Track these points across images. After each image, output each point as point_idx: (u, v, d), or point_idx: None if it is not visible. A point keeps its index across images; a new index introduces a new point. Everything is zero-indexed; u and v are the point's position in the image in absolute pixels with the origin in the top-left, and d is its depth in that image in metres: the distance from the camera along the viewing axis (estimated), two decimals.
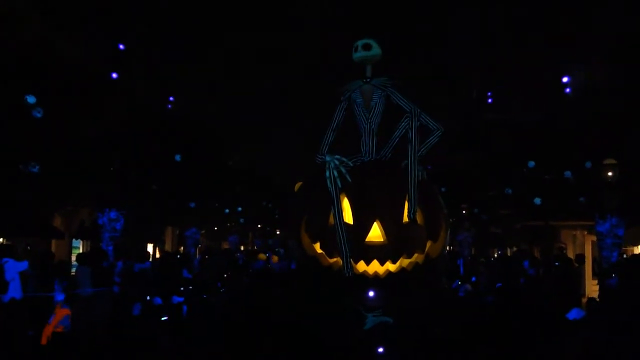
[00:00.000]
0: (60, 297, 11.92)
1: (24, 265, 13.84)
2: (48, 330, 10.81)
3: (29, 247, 20.95)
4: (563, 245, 25.83)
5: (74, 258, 21.00)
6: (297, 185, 12.22)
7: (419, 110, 10.64)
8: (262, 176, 40.02)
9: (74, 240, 26.36)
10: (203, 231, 35.46)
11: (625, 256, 19.17)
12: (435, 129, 10.92)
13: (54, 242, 23.84)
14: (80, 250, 26.29)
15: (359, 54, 10.89)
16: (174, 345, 9.85)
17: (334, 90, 11.34)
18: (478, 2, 20.83)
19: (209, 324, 10.81)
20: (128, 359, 9.18)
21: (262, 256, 24.43)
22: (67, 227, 24.90)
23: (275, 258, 24.43)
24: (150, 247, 32.49)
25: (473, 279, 18.44)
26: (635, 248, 23.47)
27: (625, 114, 18.82)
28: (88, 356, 9.79)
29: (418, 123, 10.57)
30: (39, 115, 14.70)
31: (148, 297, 13.11)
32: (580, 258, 20.04)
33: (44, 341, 10.67)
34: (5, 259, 13.34)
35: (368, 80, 10.96)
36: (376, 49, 10.91)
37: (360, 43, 10.89)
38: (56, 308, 11.31)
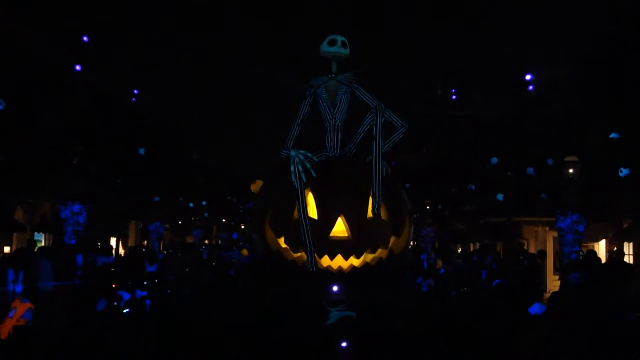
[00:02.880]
0: (18, 289, 11.78)
1: None
2: (9, 325, 10.65)
3: None
4: (523, 241, 26.11)
5: None
6: (256, 185, 12.10)
7: (383, 106, 10.65)
8: (226, 170, 39.89)
9: (35, 233, 26.04)
10: (167, 225, 35.28)
11: (582, 252, 19.38)
12: (399, 126, 10.94)
13: (15, 235, 23.53)
14: (43, 244, 25.99)
15: (335, 50, 10.77)
16: (138, 339, 9.77)
17: (297, 85, 11.28)
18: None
19: (171, 319, 10.75)
20: (91, 354, 9.08)
21: (245, 252, 24.22)
22: (29, 220, 24.59)
23: (245, 252, 24.31)
24: (113, 241, 32.26)
25: (442, 270, 18.61)
26: (595, 244, 23.79)
27: (587, 112, 19.07)
28: (50, 351, 9.67)
29: (383, 119, 10.59)
30: (0, 107, 14.49)
31: (112, 293, 13.00)
32: (542, 254, 20.29)
33: (4, 335, 10.51)
34: None
35: (333, 76, 10.94)
36: (348, 49, 10.84)
37: (339, 39, 10.78)
38: (16, 301, 11.16)
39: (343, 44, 10.81)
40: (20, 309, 10.95)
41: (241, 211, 42.78)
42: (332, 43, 10.82)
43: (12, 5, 19.17)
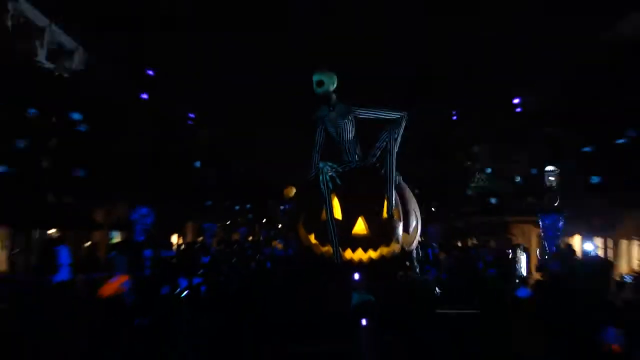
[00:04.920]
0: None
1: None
2: (110, 286, 10.38)
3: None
4: (512, 237, 25.90)
5: None
6: (288, 190, 12.20)
7: (399, 119, 10.61)
8: (265, 177, 40.12)
9: (112, 231, 26.32)
10: (219, 224, 35.55)
11: (561, 246, 19.25)
12: (399, 117, 10.74)
13: (94, 233, 23.80)
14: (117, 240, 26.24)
15: (317, 91, 10.60)
16: (194, 316, 9.90)
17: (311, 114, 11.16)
18: (446, 24, 20.27)
19: (221, 300, 10.91)
20: (160, 328, 9.26)
21: (275, 243, 24.37)
22: (106, 221, 24.87)
23: (279, 245, 24.45)
24: (174, 238, 32.51)
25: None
26: (571, 238, 23.59)
27: (565, 130, 19.02)
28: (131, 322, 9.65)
29: (396, 135, 10.65)
30: (83, 129, 14.93)
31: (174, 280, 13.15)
32: (517, 246, 20.09)
33: (106, 294, 10.24)
34: (60, 247, 13.38)
35: (332, 109, 10.81)
36: (329, 83, 10.55)
37: (314, 80, 10.55)
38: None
39: (318, 84, 10.51)
40: (122, 278, 10.86)
41: (282, 212, 42.83)
42: (315, 85, 10.57)
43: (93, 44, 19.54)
